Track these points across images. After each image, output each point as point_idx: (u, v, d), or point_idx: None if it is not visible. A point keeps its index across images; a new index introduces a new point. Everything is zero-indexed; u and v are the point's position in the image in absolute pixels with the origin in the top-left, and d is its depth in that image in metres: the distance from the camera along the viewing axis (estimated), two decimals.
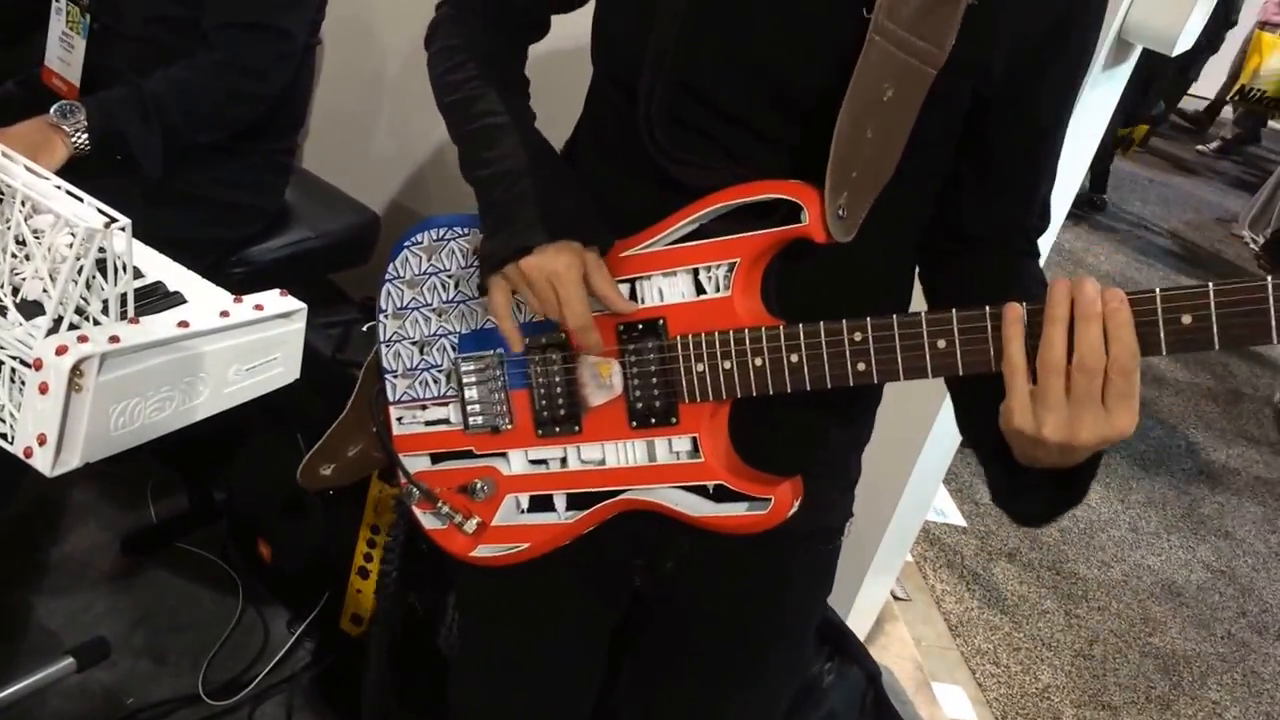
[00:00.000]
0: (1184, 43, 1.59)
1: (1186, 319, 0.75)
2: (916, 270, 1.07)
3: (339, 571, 1.82)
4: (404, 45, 2.41)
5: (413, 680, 1.67)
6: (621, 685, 1.25)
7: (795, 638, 1.19)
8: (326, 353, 1.75)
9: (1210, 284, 0.74)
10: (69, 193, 0.95)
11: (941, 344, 0.84)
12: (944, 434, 1.98)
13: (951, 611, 2.62)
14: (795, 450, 1.03)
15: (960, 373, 0.84)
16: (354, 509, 1.74)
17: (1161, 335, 0.76)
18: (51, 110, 1.52)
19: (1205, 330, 0.74)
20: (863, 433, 1.13)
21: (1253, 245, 5.88)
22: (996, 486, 0.93)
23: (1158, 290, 0.75)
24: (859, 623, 2.27)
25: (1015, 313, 0.79)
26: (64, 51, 1.72)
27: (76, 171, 1.49)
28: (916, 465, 1.98)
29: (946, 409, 1.90)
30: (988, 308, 0.83)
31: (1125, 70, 1.75)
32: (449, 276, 1.09)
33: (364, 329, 1.83)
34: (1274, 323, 0.73)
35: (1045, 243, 1.17)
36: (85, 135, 1.53)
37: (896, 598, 2.54)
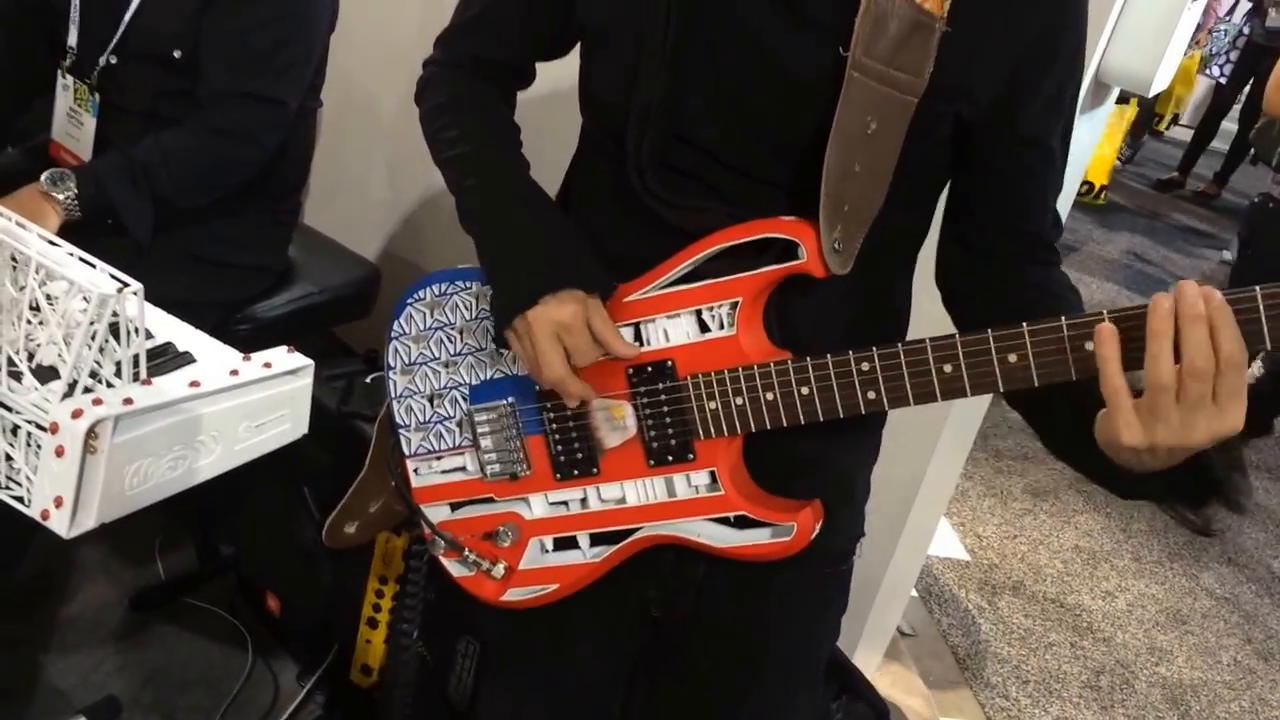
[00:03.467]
0: (1159, 84, 1.63)
1: None
2: (938, 290, 1.08)
3: (348, 623, 1.83)
4: (400, 102, 2.46)
5: None
6: (635, 707, 1.25)
7: (810, 660, 1.21)
8: (331, 405, 1.77)
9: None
10: (81, 259, 0.98)
11: (948, 369, 0.87)
12: (944, 468, 1.99)
13: (959, 646, 2.62)
14: (807, 474, 1.05)
15: (969, 395, 0.87)
16: (362, 559, 1.75)
17: (1265, 330, 0.75)
18: (42, 178, 1.55)
19: None
20: (867, 454, 1.15)
21: None
22: (1108, 484, 0.92)
23: (1258, 289, 0.75)
24: (866, 659, 2.26)
25: (1109, 332, 0.78)
26: (73, 128, 1.75)
27: (79, 235, 1.51)
28: (917, 500, 2.00)
29: (944, 443, 1.92)
30: (990, 330, 0.85)
31: (1104, 112, 1.79)
32: (455, 330, 1.11)
33: (368, 380, 1.85)
34: None
35: None
36: (76, 203, 1.55)
37: (903, 634, 2.54)
